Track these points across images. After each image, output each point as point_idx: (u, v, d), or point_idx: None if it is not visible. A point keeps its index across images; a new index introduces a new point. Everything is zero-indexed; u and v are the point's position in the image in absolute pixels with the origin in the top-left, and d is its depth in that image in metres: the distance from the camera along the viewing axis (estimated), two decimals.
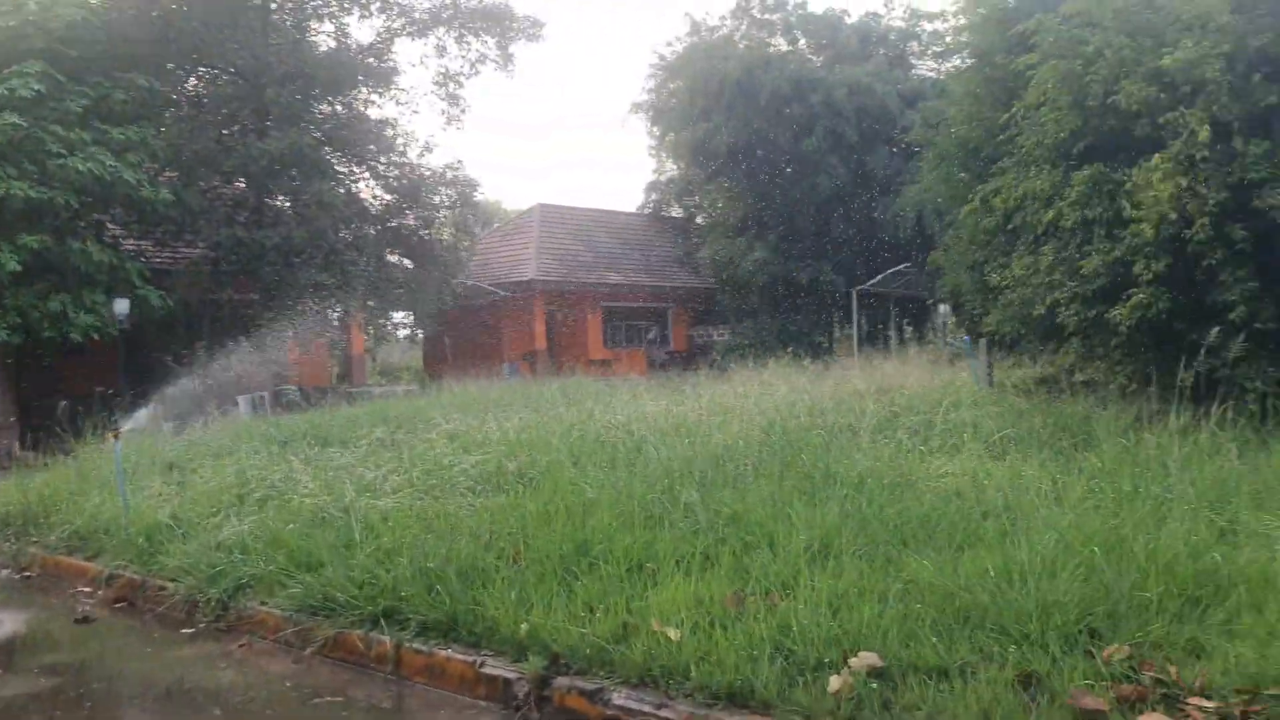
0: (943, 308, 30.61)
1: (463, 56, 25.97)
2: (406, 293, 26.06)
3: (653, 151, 44.05)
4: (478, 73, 26.20)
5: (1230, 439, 7.39)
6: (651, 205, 43.75)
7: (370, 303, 26.17)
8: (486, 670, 5.69)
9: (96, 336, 19.92)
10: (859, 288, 33.38)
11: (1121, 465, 7.11)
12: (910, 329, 39.22)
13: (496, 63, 26.02)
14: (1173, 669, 4.39)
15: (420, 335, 35.19)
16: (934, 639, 4.79)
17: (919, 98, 35.09)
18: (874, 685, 4.54)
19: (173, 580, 7.83)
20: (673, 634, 5.26)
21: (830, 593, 5.36)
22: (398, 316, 29.46)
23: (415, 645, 6.10)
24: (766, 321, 35.52)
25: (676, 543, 6.40)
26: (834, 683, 4.63)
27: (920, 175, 32.82)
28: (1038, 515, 6.21)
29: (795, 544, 6.07)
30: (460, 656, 5.86)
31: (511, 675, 5.56)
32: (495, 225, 40.03)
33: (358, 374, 30.91)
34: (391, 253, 26.02)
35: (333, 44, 25.16)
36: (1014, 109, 10.08)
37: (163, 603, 7.75)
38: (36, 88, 19.34)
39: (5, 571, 9.53)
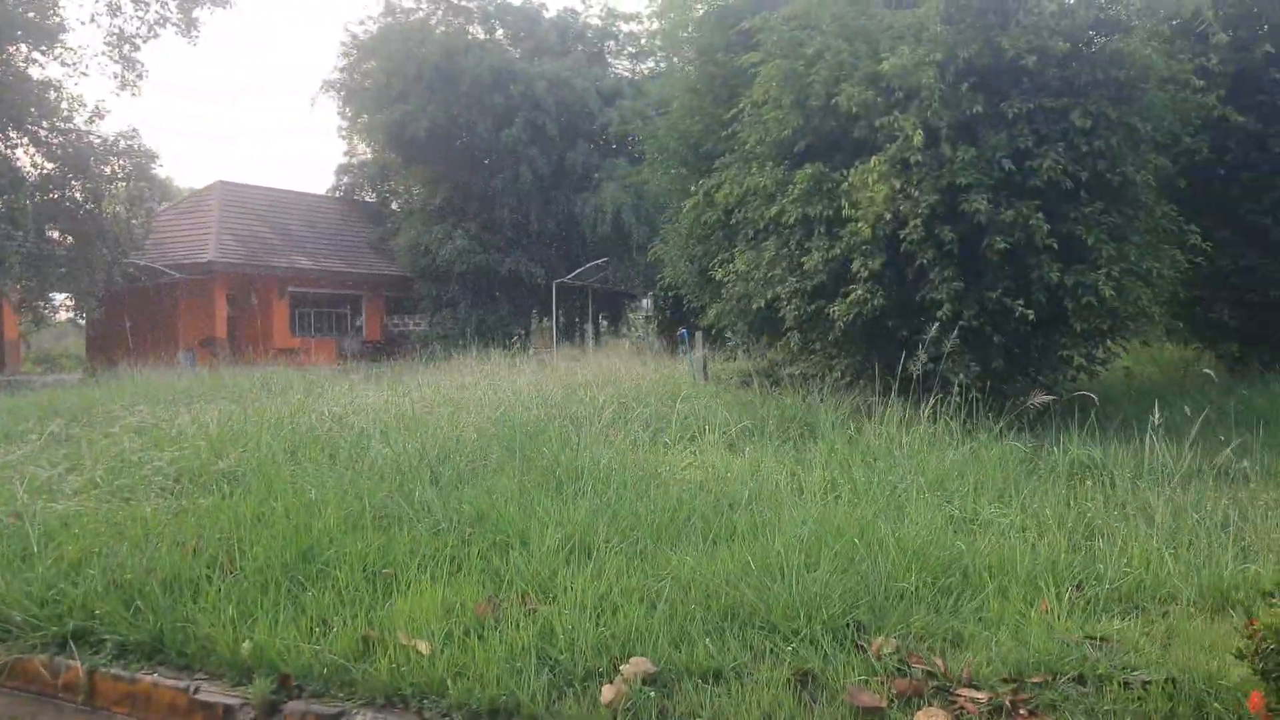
0: (645, 301, 31.34)
1: (139, 17, 23.73)
2: (69, 271, 23.51)
3: (344, 133, 42.45)
4: (157, 35, 24.03)
5: (942, 430, 7.78)
6: (343, 188, 42.08)
7: (23, 283, 23.44)
8: (202, 696, 4.99)
9: None
10: (559, 280, 33.54)
11: (851, 456, 7.29)
12: (606, 322, 40.17)
13: (178, 27, 23.95)
14: (939, 661, 4.43)
15: (84, 319, 31.97)
16: (706, 640, 4.63)
17: (617, 96, 35.78)
18: (650, 693, 4.31)
19: None
20: (423, 647, 4.81)
21: (591, 594, 5.09)
22: (58, 298, 26.54)
23: (113, 670, 5.28)
24: (465, 312, 35.00)
25: (416, 545, 5.93)
26: (607, 692, 4.36)
27: (619, 170, 33.65)
28: (784, 507, 6.23)
29: (548, 543, 5.77)
30: (169, 682, 5.12)
31: (233, 701, 4.91)
32: (166, 204, 36.98)
33: (11, 361, 27.68)
34: (53, 227, 23.38)
35: None
36: (741, 105, 10.23)
37: None
38: None
39: None
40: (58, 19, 22.29)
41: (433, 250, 34.55)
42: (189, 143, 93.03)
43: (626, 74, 39.99)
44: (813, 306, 9.45)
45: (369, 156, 41.15)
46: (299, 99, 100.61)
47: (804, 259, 9.36)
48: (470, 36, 36.98)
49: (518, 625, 4.89)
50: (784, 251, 9.73)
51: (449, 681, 4.55)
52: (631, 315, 43.74)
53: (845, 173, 9.28)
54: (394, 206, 41.40)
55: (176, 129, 79.38)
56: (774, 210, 9.66)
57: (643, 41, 41.66)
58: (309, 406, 9.61)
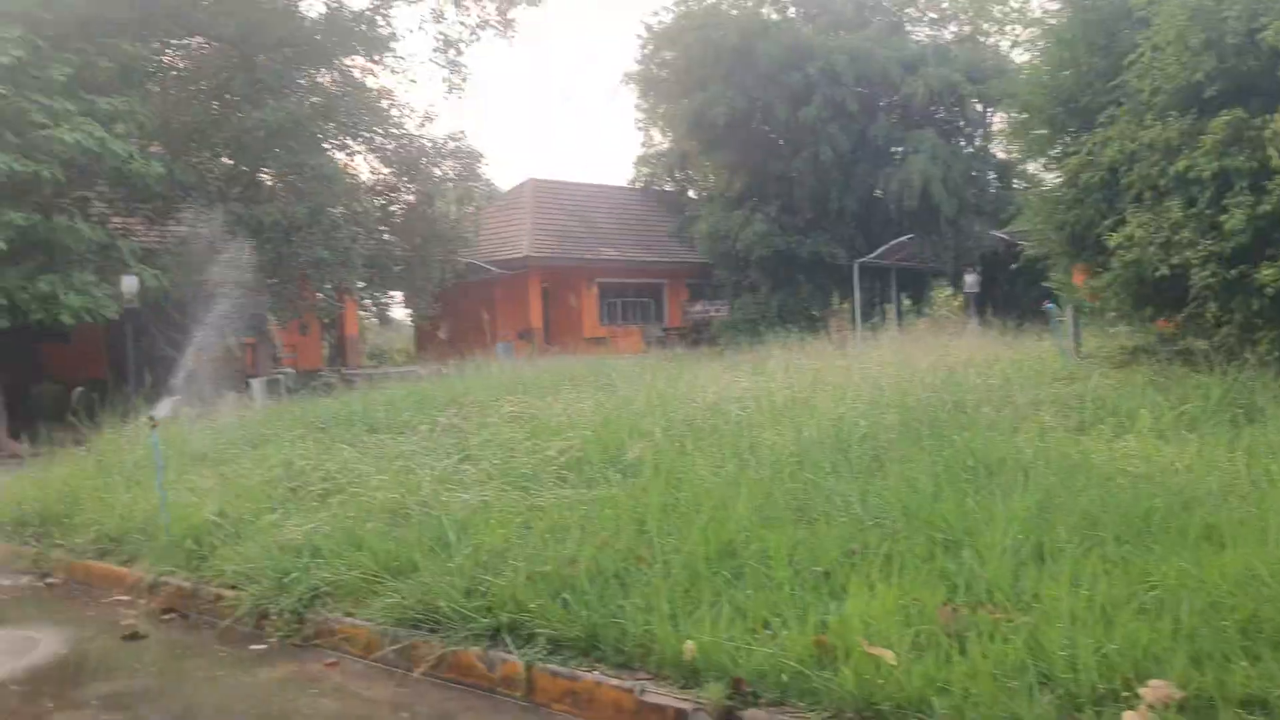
0: (969, 277, 29.89)
1: (462, 22, 24.80)
2: (404, 270, 24.90)
3: (641, 124, 43.29)
4: (478, 38, 25.04)
5: None
6: (643, 179, 42.79)
7: (361, 282, 25.04)
8: (650, 699, 4.75)
9: (88, 319, 18.75)
10: (861, 260, 32.59)
11: None
12: (909, 301, 38.75)
13: (497, 28, 24.85)
14: None
15: (416, 317, 33.97)
16: (1239, 662, 3.93)
17: (920, 64, 34.30)
18: None
19: (232, 588, 6.87)
20: (888, 656, 4.37)
21: (1076, 604, 4.47)
22: (394, 296, 28.21)
23: (551, 666, 5.16)
24: (766, 296, 34.68)
25: (845, 542, 5.51)
26: None
27: (925, 142, 32.28)
28: (1267, 503, 5.37)
29: (995, 543, 5.19)
30: (612, 681, 4.92)
31: (685, 705, 4.64)
32: (492, 202, 38.74)
33: (352, 356, 29.76)
34: (388, 229, 24.84)
35: (324, 9, 23.94)
36: (1140, 50, 9.17)
37: (222, 614, 6.79)
38: (16, 54, 18.09)
39: (26, 578, 8.50)
40: (389, 29, 23.63)
41: (732, 236, 34.39)
42: (499, 140, 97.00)
43: (927, 41, 38.38)
44: (1233, 272, 8.34)
45: (666, 146, 41.63)
46: (598, 93, 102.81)
47: (1222, 219, 8.27)
48: (764, 18, 36.54)
49: (993, 636, 4.37)
50: (1192, 212, 8.65)
51: (933, 698, 4.09)
52: (935, 294, 42.09)
53: (1268, 118, 8.12)
54: (691, 194, 41.69)
55: (488, 127, 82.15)
56: (1180, 165, 8.59)
57: (944, 6, 40.01)
58: (678, 394, 9.46)
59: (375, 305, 27.00)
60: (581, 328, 35.12)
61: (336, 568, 6.43)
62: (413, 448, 8.66)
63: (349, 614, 6.18)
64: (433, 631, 5.70)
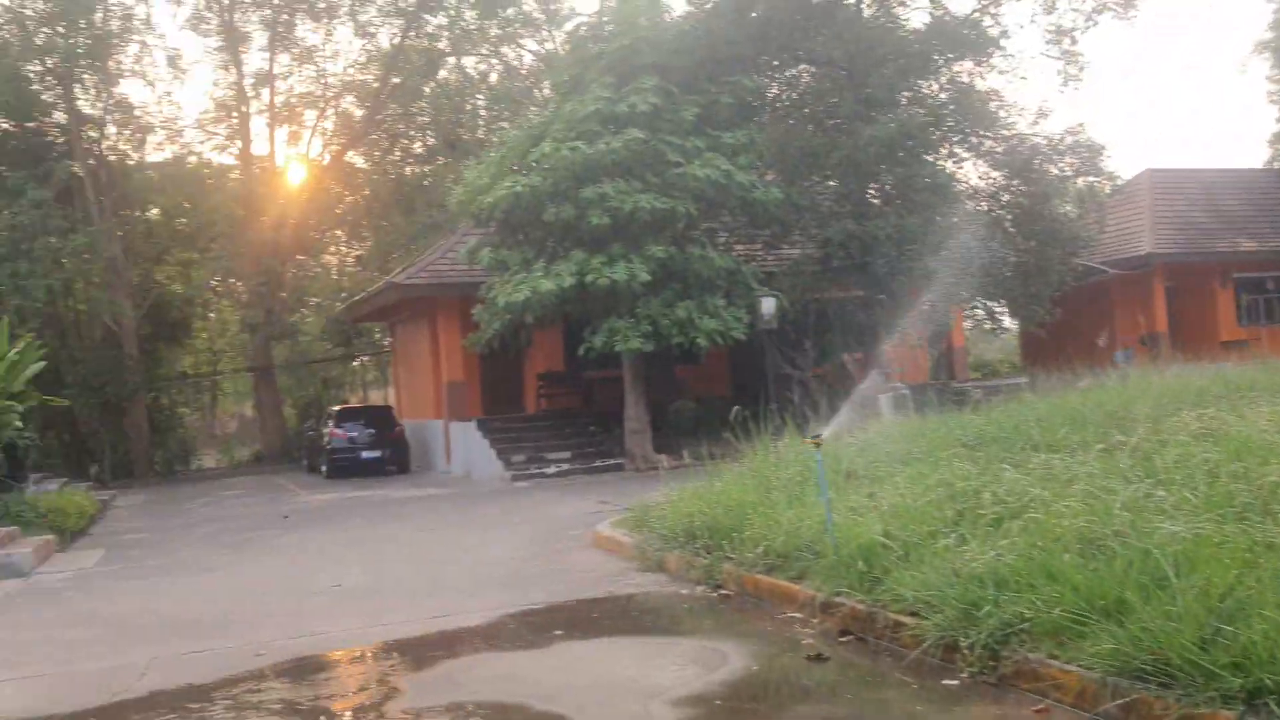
0: None
1: (1075, 10, 23.10)
2: (1017, 276, 23.67)
3: (1276, 97, 38.12)
4: (1094, 24, 23.08)
5: None
6: None
7: (964, 291, 24.20)
8: None
9: (719, 341, 20.04)
10: None
11: None
12: None
13: (1116, 10, 22.82)
14: None
15: (1020, 322, 32.41)
16: None
17: None
18: None
19: (911, 614, 6.52)
20: None
21: None
22: (1000, 304, 27.03)
23: None
24: None
25: None
26: None
27: None
28: None
29: None
30: None
31: None
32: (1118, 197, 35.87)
33: (959, 369, 29.06)
34: (1000, 235, 23.83)
35: (927, 19, 23.66)
36: None
37: (903, 642, 6.46)
38: (653, 101, 19.94)
39: (701, 588, 8.91)
40: (1000, 28, 22.77)
41: None
42: (1112, 128, 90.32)
43: None
44: None
45: None
46: (1219, 69, 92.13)
47: None
48: None
49: None
50: None
51: None
52: None
53: None
54: None
55: (1101, 115, 76.27)
56: None
57: None
58: None
59: (986, 315, 26.10)
60: (1215, 330, 31.35)
61: (1030, 602, 5.81)
62: (1087, 469, 7.79)
63: (1053, 655, 5.53)
64: (1162, 686, 4.87)
